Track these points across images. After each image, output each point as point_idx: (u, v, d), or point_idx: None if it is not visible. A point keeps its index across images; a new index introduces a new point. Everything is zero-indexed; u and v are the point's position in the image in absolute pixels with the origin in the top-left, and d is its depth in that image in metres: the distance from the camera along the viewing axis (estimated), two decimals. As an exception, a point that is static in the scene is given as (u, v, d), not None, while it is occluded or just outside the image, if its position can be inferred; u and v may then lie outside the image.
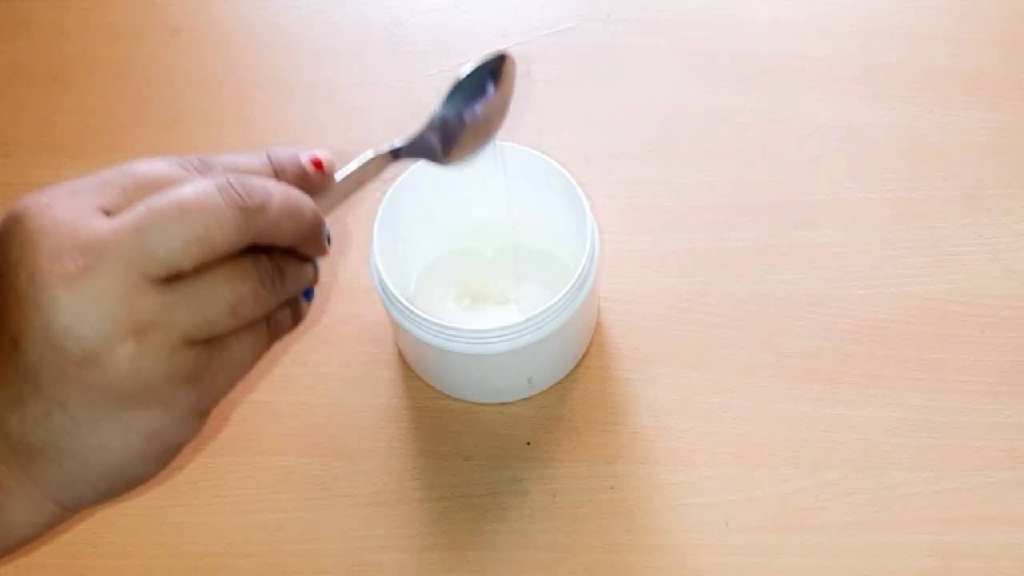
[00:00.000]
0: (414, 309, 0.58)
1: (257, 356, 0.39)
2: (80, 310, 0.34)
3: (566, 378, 0.66)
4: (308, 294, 0.42)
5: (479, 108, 0.47)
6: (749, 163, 0.74)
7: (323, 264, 0.43)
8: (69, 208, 0.35)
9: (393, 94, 0.78)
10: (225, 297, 0.36)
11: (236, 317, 0.37)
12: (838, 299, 0.68)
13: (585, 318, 0.64)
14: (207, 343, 0.37)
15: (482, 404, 0.65)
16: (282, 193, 0.37)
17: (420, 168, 0.62)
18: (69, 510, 0.38)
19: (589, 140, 0.75)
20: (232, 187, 0.36)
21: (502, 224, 0.67)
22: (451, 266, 0.67)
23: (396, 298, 0.58)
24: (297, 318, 0.42)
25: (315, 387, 0.66)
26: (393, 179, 0.62)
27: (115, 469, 0.37)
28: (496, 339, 0.58)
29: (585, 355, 0.67)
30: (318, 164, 0.41)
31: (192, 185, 0.36)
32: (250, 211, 0.36)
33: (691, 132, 0.75)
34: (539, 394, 0.65)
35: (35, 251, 0.34)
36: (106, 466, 0.37)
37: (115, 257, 0.34)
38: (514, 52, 0.48)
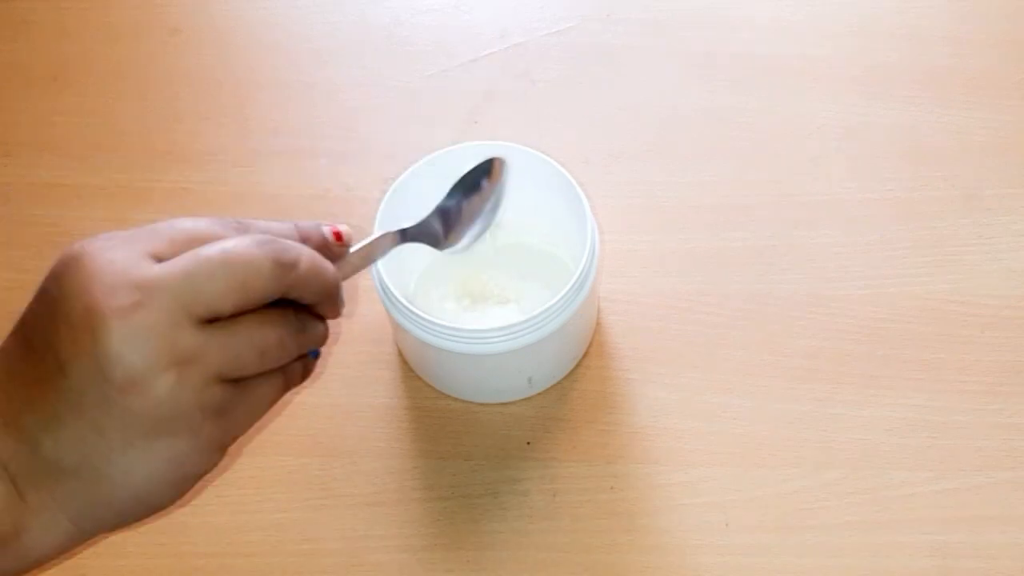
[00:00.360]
0: (414, 309, 0.58)
1: (273, 401, 0.43)
2: (129, 340, 0.37)
3: (566, 378, 0.66)
4: (315, 353, 0.46)
5: (475, 201, 0.55)
6: (749, 163, 0.74)
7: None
8: (123, 251, 0.39)
9: (393, 94, 0.78)
10: (256, 341, 0.40)
11: (263, 360, 0.41)
12: (838, 299, 0.68)
13: (585, 318, 0.64)
14: (235, 382, 0.40)
15: (482, 404, 0.65)
16: (310, 255, 0.42)
17: (420, 168, 0.62)
18: (86, 533, 0.41)
19: (589, 140, 0.75)
20: (270, 244, 0.40)
21: (502, 224, 0.67)
22: (451, 266, 0.67)
23: (396, 298, 0.58)
24: (306, 372, 0.45)
25: (315, 387, 0.66)
26: (393, 179, 0.62)
27: (138, 494, 0.40)
28: (496, 339, 0.58)
29: (585, 355, 0.67)
30: (338, 236, 0.46)
31: (236, 240, 0.40)
32: (284, 266, 0.40)
33: (691, 132, 0.75)
34: (539, 394, 0.65)
35: (92, 286, 0.38)
36: (130, 490, 0.39)
37: (164, 296, 0.38)
38: (504, 156, 0.56)
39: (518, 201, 0.65)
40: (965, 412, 0.64)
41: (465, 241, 0.55)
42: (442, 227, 0.54)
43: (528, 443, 0.64)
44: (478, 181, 0.55)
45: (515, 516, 0.62)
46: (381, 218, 0.60)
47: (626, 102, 0.77)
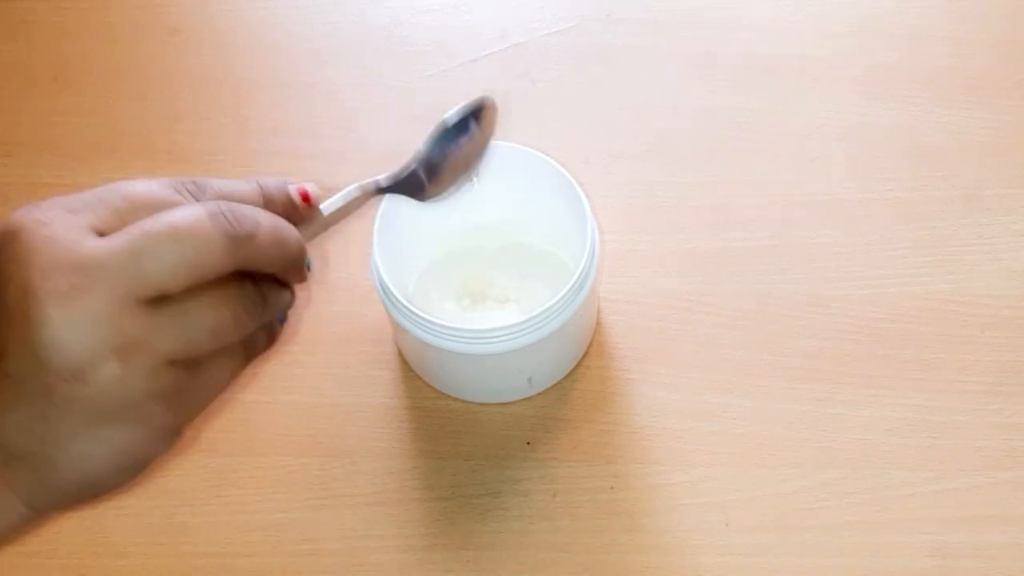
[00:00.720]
0: (414, 309, 0.58)
1: (233, 377, 0.40)
2: (69, 327, 0.35)
3: (566, 378, 0.66)
4: (282, 317, 0.43)
5: (461, 146, 0.50)
6: (749, 163, 0.74)
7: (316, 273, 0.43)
8: (63, 226, 0.36)
9: (393, 94, 0.78)
10: (208, 321, 0.37)
11: (217, 340, 0.38)
12: (838, 299, 0.68)
13: (585, 318, 0.64)
14: (187, 364, 0.38)
15: (482, 404, 0.65)
16: (270, 222, 0.39)
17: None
18: (39, 514, 0.39)
19: (589, 140, 0.75)
20: (223, 215, 0.37)
21: (502, 224, 0.67)
22: (451, 266, 0.67)
23: (396, 298, 0.58)
24: (271, 340, 0.43)
25: (315, 387, 0.66)
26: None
27: (89, 479, 0.38)
28: (496, 339, 0.58)
29: (585, 355, 0.67)
30: (305, 196, 0.43)
31: (185, 211, 0.37)
32: (239, 239, 0.37)
33: (691, 132, 0.75)
34: (539, 394, 0.65)
35: (28, 267, 0.35)
36: (80, 476, 0.38)
37: (106, 277, 0.35)
38: (495, 97, 0.52)
39: (518, 201, 0.65)
40: (965, 412, 0.64)
41: (450, 190, 0.50)
42: (425, 176, 0.49)
43: (528, 443, 0.64)
44: (466, 126, 0.50)
45: (515, 516, 0.62)
46: (381, 218, 0.60)
47: (626, 102, 0.77)
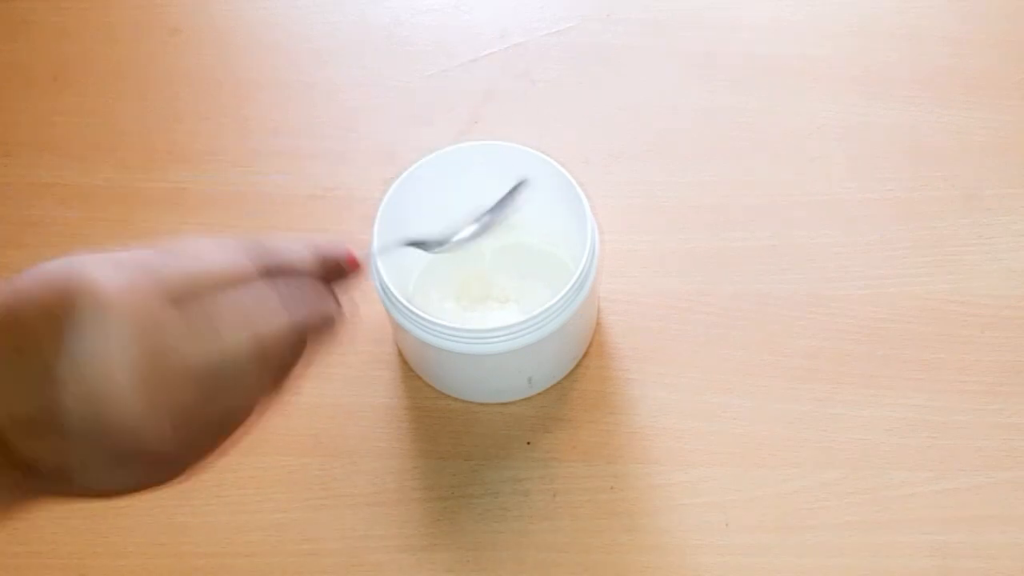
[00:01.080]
0: (414, 309, 0.58)
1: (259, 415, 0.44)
2: (144, 412, 0.36)
3: (566, 378, 0.66)
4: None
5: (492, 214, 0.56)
6: (749, 163, 0.74)
7: None
8: (142, 293, 0.36)
9: (393, 94, 0.78)
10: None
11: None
12: (838, 299, 0.68)
13: (585, 318, 0.64)
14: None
15: (482, 404, 0.65)
16: (329, 312, 0.43)
17: (420, 168, 0.62)
18: (32, 506, 0.40)
19: (589, 140, 0.75)
20: (306, 320, 0.41)
21: (502, 224, 0.67)
22: (451, 266, 0.67)
23: (396, 298, 0.58)
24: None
25: (315, 387, 0.66)
26: (393, 179, 0.62)
27: (105, 495, 0.40)
28: (496, 339, 0.58)
29: (585, 355, 0.67)
30: (353, 263, 0.47)
31: (272, 320, 0.40)
32: (304, 329, 0.41)
33: (691, 132, 0.75)
34: (539, 394, 0.65)
35: (108, 335, 0.35)
36: (98, 493, 0.39)
37: (187, 377, 0.37)
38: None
39: (518, 201, 0.65)
40: (965, 412, 0.64)
41: (452, 244, 0.55)
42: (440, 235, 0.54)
43: (528, 443, 0.64)
44: (503, 202, 0.56)
45: (515, 516, 0.62)
46: (381, 218, 0.60)
47: (626, 102, 0.77)
